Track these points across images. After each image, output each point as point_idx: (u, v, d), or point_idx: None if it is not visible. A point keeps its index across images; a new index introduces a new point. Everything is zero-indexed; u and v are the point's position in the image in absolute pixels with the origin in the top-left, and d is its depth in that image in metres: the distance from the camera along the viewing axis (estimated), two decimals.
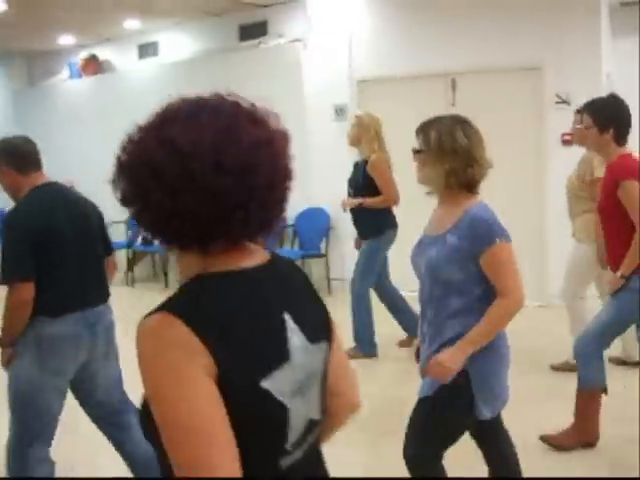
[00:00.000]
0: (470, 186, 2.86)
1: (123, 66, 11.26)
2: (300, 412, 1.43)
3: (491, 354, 2.80)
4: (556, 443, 4.26)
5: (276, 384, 1.37)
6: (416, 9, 8.22)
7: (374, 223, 6.01)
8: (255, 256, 1.47)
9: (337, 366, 1.58)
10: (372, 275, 6.12)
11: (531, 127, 7.88)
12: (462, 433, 2.92)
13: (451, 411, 2.83)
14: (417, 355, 3.07)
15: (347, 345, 6.55)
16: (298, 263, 7.86)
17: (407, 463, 2.89)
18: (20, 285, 3.16)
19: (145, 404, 1.35)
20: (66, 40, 11.15)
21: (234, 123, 1.39)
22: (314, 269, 8.84)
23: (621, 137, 4.07)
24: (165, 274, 9.74)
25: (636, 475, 3.93)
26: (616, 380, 4.72)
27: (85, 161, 11.17)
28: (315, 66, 8.82)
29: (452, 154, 2.80)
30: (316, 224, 8.32)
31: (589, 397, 4.24)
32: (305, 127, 8.74)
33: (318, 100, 8.65)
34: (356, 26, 8.60)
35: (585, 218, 5.24)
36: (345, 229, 8.58)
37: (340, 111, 8.58)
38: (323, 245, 8.77)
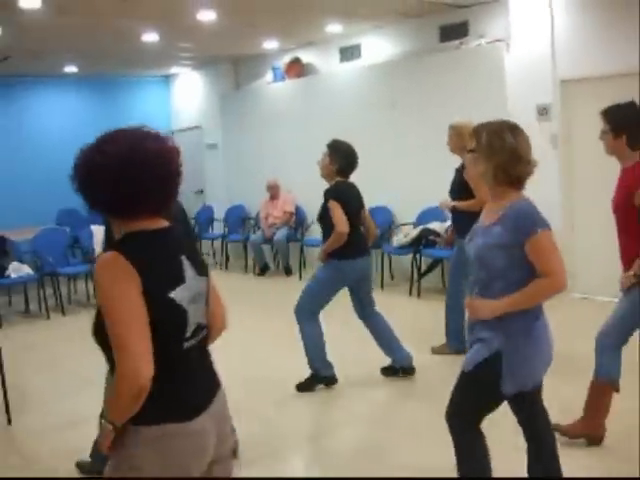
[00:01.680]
0: (517, 182, 3.22)
1: (325, 69, 11.60)
2: (193, 315, 2.32)
3: (527, 340, 3.17)
4: (563, 430, 4.44)
5: (178, 295, 2.25)
6: (621, 5, 7.95)
7: (467, 224, 5.97)
8: (161, 223, 2.35)
9: (213, 295, 2.51)
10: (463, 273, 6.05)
11: None
12: (494, 405, 3.28)
13: (481, 385, 3.23)
14: None
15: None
16: None
17: (449, 428, 3.33)
18: None
19: (97, 313, 2.20)
20: (270, 44, 11.62)
21: (143, 139, 2.26)
22: None
23: (635, 143, 4.22)
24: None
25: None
26: None
27: (288, 160, 11.67)
28: (517, 66, 8.74)
29: (500, 152, 3.14)
30: None
31: (600, 390, 4.40)
32: None
33: (520, 100, 8.58)
34: (559, 24, 8.44)
35: None
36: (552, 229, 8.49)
37: (543, 111, 8.47)
38: None
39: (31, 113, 13.04)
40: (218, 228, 13.12)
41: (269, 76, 12.44)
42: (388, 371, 6.03)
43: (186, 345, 2.30)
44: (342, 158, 5.77)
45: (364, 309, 5.97)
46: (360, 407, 5.56)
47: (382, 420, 5.39)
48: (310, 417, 5.56)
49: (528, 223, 3.13)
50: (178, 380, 2.25)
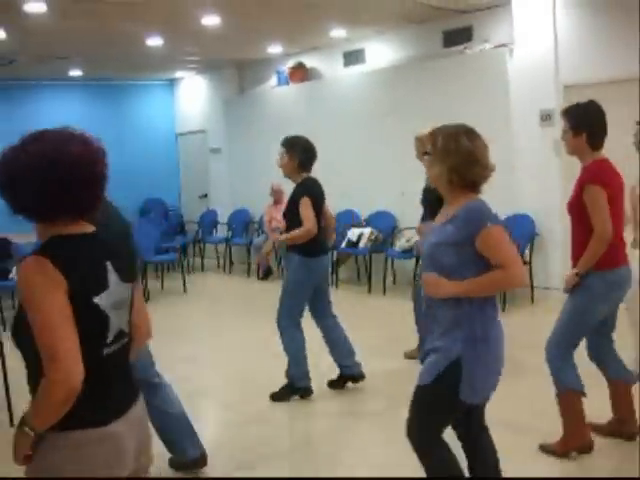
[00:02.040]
0: (472, 186, 3.18)
1: (329, 73, 11.63)
2: (115, 321, 2.30)
3: (487, 345, 3.11)
4: (551, 449, 4.40)
5: (101, 301, 2.22)
6: (623, 10, 7.96)
7: None
8: (86, 227, 2.32)
9: (137, 300, 2.49)
10: None
11: None
12: (454, 416, 3.26)
13: (440, 397, 3.16)
14: None
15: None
16: None
17: (411, 444, 3.25)
18: None
19: (18, 314, 2.20)
20: (275, 49, 11.67)
21: (68, 140, 2.25)
22: None
23: (595, 142, 4.23)
24: (369, 278, 10.01)
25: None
26: None
27: None
28: (521, 71, 8.76)
29: (455, 154, 3.11)
30: (520, 230, 8.23)
31: (567, 400, 4.31)
32: (510, 132, 8.74)
33: (524, 105, 8.62)
34: (562, 30, 8.48)
35: None
36: (552, 237, 8.51)
37: (546, 117, 8.49)
38: (527, 252, 8.64)
39: (36, 117, 13.06)
40: (222, 232, 13.16)
41: (273, 80, 12.48)
42: (337, 384, 5.93)
43: (106, 351, 2.28)
44: (301, 153, 5.75)
45: (324, 308, 5.88)
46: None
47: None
48: (308, 418, 5.57)
49: (478, 218, 3.09)
50: (97, 385, 2.22)
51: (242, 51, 11.80)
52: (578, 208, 4.19)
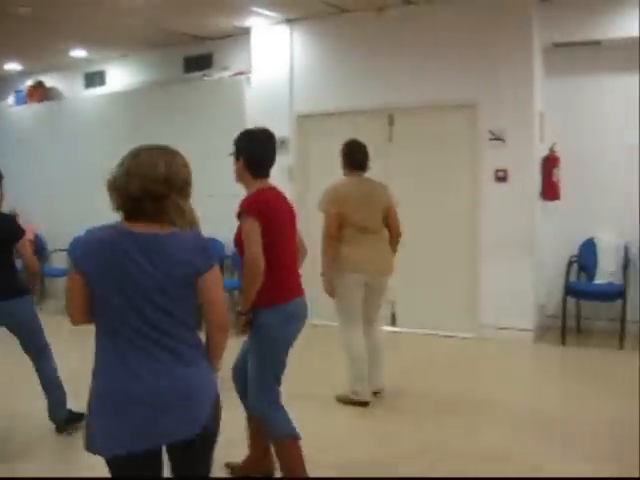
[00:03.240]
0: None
1: (70, 94, 11.29)
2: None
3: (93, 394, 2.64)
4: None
5: None
6: (354, 46, 8.46)
7: None
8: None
9: None
10: None
11: (466, 163, 8.08)
12: None
13: None
14: None
15: None
16: None
17: None
18: None
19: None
20: (12, 66, 11.16)
21: None
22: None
23: (253, 169, 4.01)
24: None
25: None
26: None
27: (28, 188, 11.16)
28: (257, 99, 8.97)
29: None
30: None
31: (283, 448, 3.99)
32: None
33: None
34: (297, 61, 8.81)
35: None
36: None
37: (281, 144, 8.69)
38: None
39: None
40: None
41: (11, 99, 11.89)
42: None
43: None
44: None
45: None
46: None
47: None
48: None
49: None
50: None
51: None
52: (240, 239, 3.93)
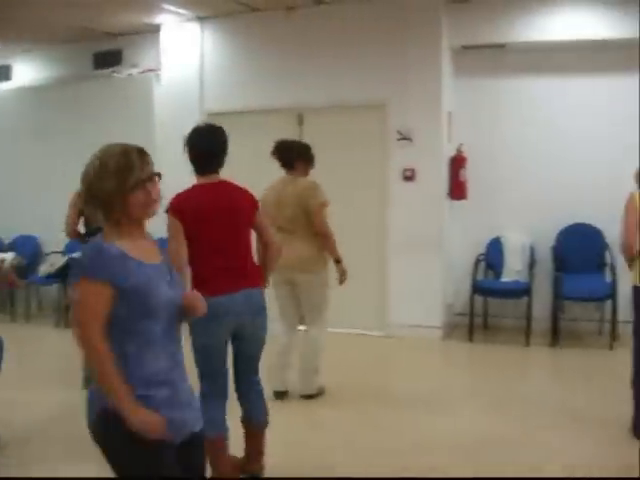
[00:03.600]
0: None
1: None
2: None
3: None
4: None
5: None
6: (265, 45, 8.44)
7: None
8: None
9: None
10: None
11: (375, 162, 8.14)
12: None
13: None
14: None
15: None
16: None
17: None
18: None
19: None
20: None
21: None
22: None
23: (195, 167, 4.14)
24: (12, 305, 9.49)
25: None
26: None
27: None
28: (167, 97, 8.87)
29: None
30: None
31: (213, 446, 3.96)
32: (154, 157, 8.72)
33: (168, 131, 8.62)
34: (208, 59, 8.74)
35: None
36: None
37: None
38: None
39: None
40: None
41: None
42: None
43: None
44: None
45: None
46: None
47: None
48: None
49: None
50: None
51: None
52: None
